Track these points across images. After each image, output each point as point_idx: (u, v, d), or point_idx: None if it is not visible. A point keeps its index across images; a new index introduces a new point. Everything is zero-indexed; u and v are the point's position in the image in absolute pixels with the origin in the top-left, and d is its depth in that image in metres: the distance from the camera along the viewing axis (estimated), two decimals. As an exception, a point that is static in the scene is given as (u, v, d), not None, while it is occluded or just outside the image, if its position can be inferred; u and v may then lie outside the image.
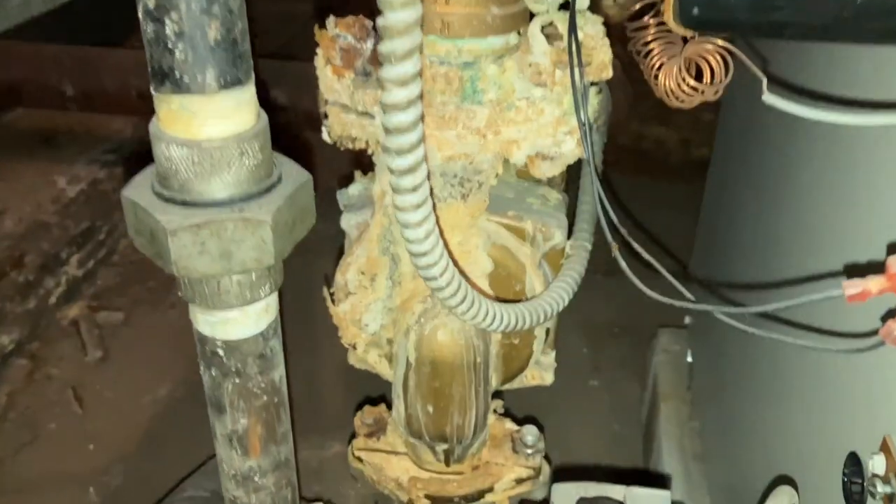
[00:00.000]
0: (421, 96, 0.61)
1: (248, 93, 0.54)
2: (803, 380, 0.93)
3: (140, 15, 0.49)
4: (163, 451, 1.77)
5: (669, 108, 0.88)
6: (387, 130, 0.61)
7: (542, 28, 0.81)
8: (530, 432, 1.11)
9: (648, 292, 0.70)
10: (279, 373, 0.66)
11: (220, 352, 0.62)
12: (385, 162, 0.64)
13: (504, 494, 1.08)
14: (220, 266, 0.55)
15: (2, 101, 2.47)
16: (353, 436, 1.15)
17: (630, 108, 2.62)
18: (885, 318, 0.55)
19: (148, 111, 0.61)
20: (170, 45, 0.49)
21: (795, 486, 0.78)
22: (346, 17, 0.85)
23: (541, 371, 1.06)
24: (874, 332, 0.55)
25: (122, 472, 1.75)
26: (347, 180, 1.06)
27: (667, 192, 2.68)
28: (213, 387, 0.65)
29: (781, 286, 0.97)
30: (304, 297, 1.82)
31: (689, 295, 0.71)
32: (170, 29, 0.49)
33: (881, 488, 0.71)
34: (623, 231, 0.79)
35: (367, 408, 1.16)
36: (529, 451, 1.10)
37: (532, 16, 0.80)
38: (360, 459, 1.14)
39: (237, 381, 0.64)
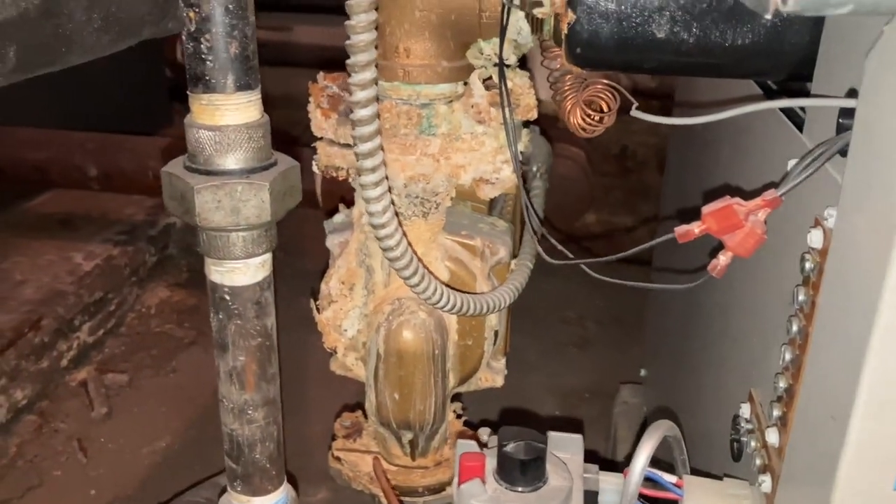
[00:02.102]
0: (376, 81, 0.84)
1: (256, 95, 0.77)
2: (719, 394, 1.12)
3: (184, 37, 0.73)
4: (159, 495, 1.90)
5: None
6: (353, 104, 0.83)
7: (483, 80, 1.05)
8: (485, 433, 1.27)
9: (550, 261, 0.90)
10: (271, 321, 0.86)
11: (227, 296, 0.82)
12: (352, 145, 0.87)
13: (462, 485, 1.23)
14: (230, 219, 0.76)
15: (32, 184, 2.73)
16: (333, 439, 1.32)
17: (594, 196, 2.88)
18: (711, 255, 0.75)
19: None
20: (203, 57, 0.72)
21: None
22: (332, 73, 1.09)
23: (493, 374, 1.24)
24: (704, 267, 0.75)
25: (120, 514, 1.89)
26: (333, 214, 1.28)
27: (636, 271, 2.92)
28: (219, 329, 0.84)
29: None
30: (300, 367, 2.00)
31: (570, 255, 0.91)
32: (204, 46, 0.72)
33: (745, 425, 0.90)
34: (542, 229, 1.01)
35: (345, 413, 1.33)
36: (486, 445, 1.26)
37: (473, 69, 1.05)
38: (338, 459, 1.30)
39: (238, 322, 0.83)
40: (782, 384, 0.78)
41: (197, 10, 0.71)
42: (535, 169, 1.32)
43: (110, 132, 2.57)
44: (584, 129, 1.02)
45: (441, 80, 1.02)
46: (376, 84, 0.85)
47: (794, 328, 0.75)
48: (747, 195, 0.73)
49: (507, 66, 1.02)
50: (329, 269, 1.20)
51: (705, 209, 0.72)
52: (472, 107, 1.04)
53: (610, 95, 0.94)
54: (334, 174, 1.12)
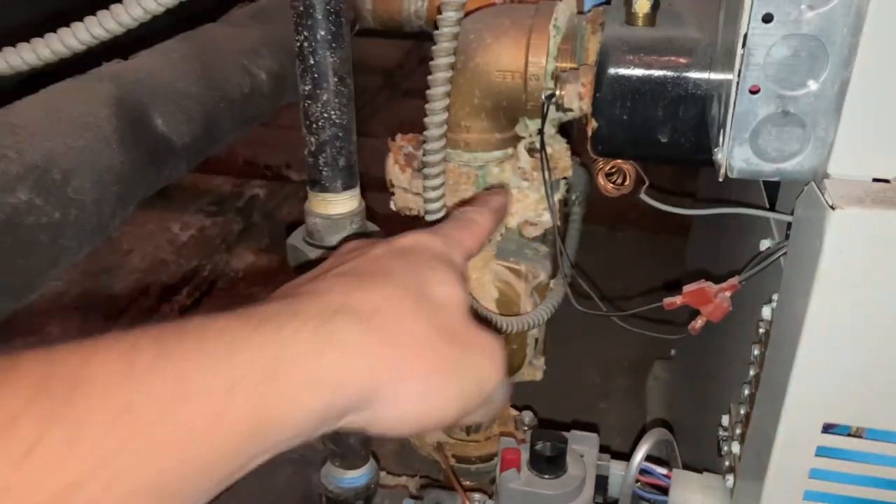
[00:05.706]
0: (445, 146, 1.11)
1: (356, 190, 1.04)
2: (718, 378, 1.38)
3: (305, 153, 1.00)
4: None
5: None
6: (426, 164, 1.11)
7: (527, 147, 1.31)
8: (527, 415, 1.57)
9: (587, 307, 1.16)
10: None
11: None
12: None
13: (506, 456, 1.53)
14: (337, 280, 1.06)
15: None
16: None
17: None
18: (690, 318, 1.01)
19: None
20: (320, 169, 1.00)
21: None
22: (407, 135, 1.36)
23: (533, 370, 1.52)
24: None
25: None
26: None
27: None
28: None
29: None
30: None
31: (603, 308, 1.17)
32: (321, 161, 1.00)
33: (723, 433, 1.17)
34: (571, 270, 1.27)
35: (413, 394, 1.64)
36: (526, 428, 1.56)
37: (520, 139, 1.30)
38: (407, 431, 1.61)
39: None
40: (743, 410, 1.04)
41: (315, 137, 0.98)
42: (573, 197, 1.57)
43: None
44: (607, 189, 1.27)
45: (494, 148, 1.28)
46: (445, 149, 1.12)
47: (751, 372, 1.01)
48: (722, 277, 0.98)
49: (547, 135, 1.27)
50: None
51: (685, 288, 0.98)
52: (519, 168, 1.29)
53: (629, 169, 1.19)
54: (407, 213, 1.39)
